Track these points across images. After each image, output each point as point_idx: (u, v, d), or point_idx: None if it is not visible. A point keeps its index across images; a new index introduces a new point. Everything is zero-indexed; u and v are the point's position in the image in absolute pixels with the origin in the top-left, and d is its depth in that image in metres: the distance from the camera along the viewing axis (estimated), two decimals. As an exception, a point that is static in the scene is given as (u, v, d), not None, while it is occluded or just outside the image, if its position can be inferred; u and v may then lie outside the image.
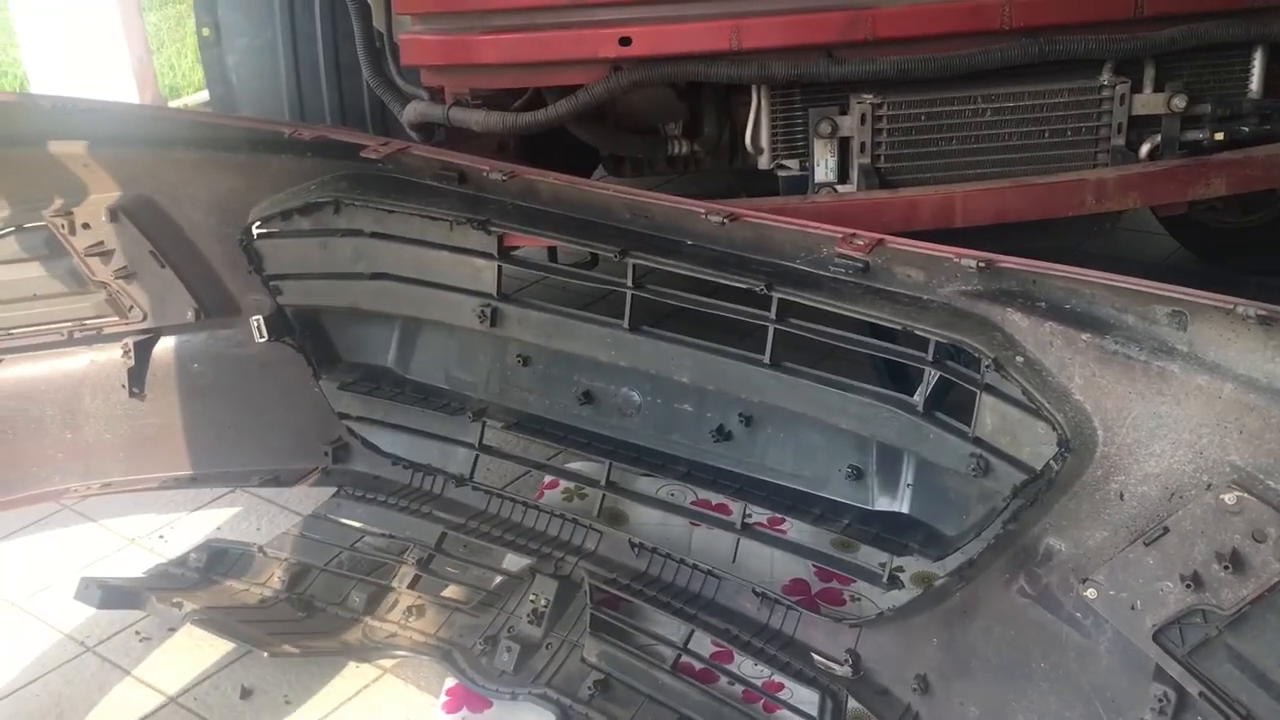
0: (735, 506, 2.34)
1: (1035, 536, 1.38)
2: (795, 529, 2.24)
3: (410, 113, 2.06)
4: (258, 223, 1.99)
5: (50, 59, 4.26)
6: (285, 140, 1.92)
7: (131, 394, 2.16)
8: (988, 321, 1.43)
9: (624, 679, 1.76)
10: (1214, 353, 1.26)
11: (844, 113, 1.93)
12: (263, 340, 2.06)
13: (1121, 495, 1.29)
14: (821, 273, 1.57)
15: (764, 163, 2.01)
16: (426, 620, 1.93)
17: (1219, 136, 1.98)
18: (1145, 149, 1.98)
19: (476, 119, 1.96)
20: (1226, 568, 1.18)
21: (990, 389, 1.45)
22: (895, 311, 1.50)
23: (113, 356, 2.16)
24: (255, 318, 2.05)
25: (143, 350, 2.15)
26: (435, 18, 1.94)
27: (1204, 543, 1.21)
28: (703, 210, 1.64)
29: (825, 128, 1.94)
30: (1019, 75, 1.90)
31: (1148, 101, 1.95)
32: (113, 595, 1.95)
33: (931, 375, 1.52)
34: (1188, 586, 1.21)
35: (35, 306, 2.10)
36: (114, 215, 2.01)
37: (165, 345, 2.16)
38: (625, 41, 1.85)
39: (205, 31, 2.32)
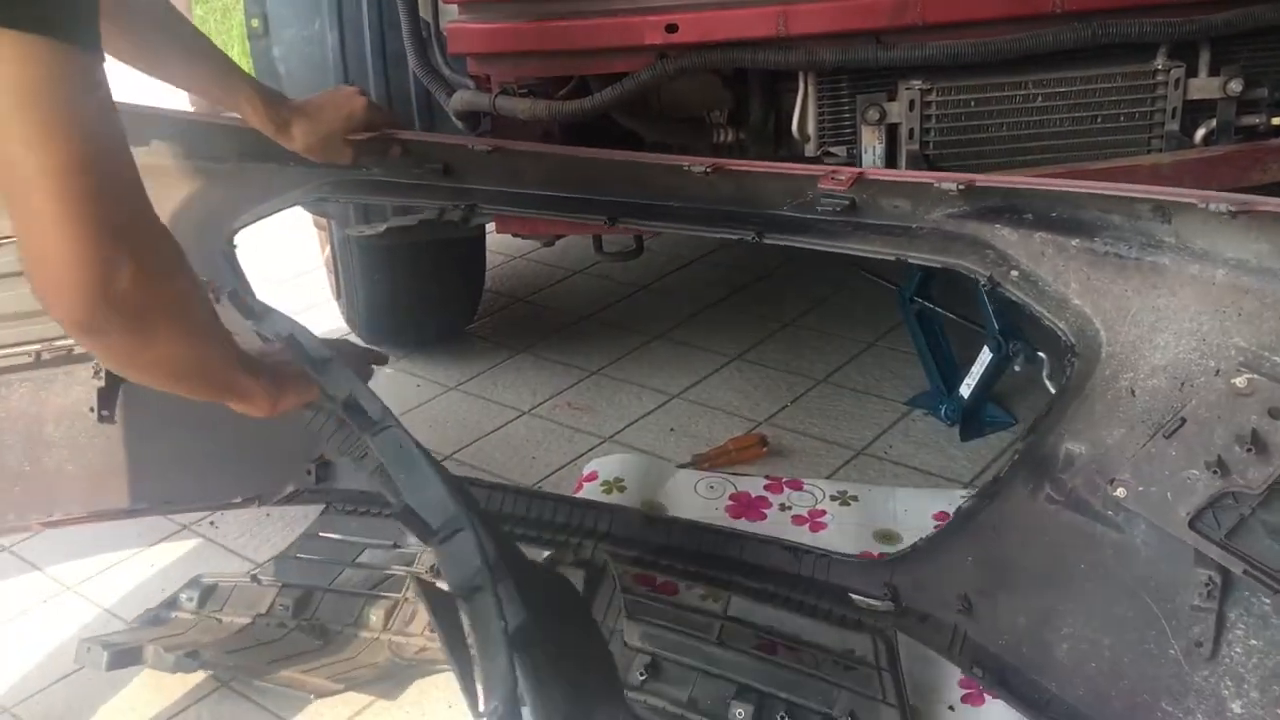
0: (774, 499, 2.35)
1: (1053, 444, 1.41)
2: (835, 522, 2.25)
3: (456, 101, 2.06)
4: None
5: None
6: (270, 148, 1.88)
7: (101, 417, 2.04)
8: (978, 240, 1.46)
9: (673, 657, 1.76)
10: (1202, 241, 1.28)
11: (892, 99, 1.91)
12: None
13: (1133, 391, 1.32)
14: (809, 216, 1.59)
15: (810, 150, 2.00)
16: None
17: (1276, 121, 1.95)
18: (1200, 134, 1.94)
19: (522, 107, 1.96)
20: (1249, 449, 1.20)
21: None
22: (887, 244, 1.53)
23: (81, 377, 2.03)
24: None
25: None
26: (482, 6, 1.94)
27: (1222, 428, 1.23)
28: (686, 163, 1.67)
29: (873, 114, 1.92)
30: (1071, 60, 1.88)
31: (1203, 86, 1.92)
32: (120, 655, 1.85)
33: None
34: (1214, 473, 1.23)
35: (2, 328, 1.99)
36: None
37: None
38: (672, 28, 1.84)
39: (254, 23, 2.33)
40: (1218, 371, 1.24)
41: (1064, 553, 1.43)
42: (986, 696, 1.69)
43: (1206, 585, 1.28)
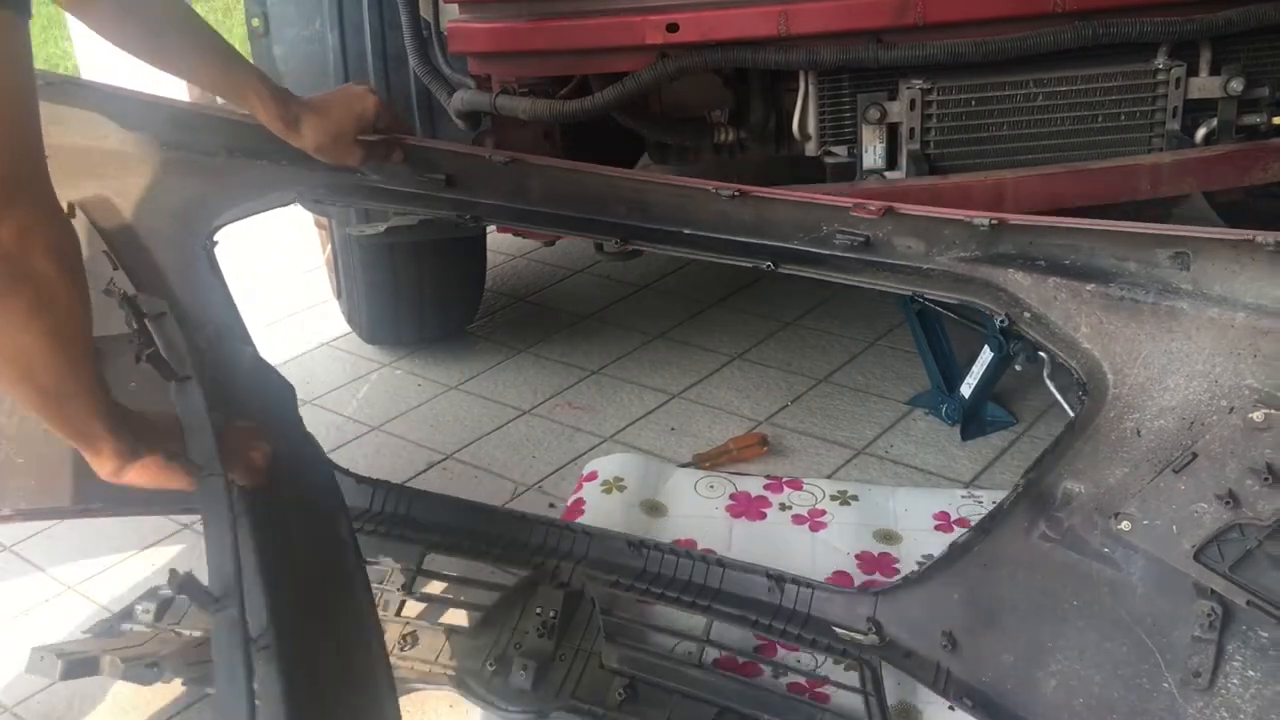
0: (774, 499, 2.35)
1: (1051, 484, 1.43)
2: (835, 522, 2.25)
3: (457, 101, 2.06)
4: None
5: (101, 51, 4.33)
6: (262, 145, 1.81)
7: None
8: (991, 283, 1.46)
9: (651, 679, 1.75)
10: (1219, 287, 1.29)
11: (893, 98, 1.91)
12: None
13: (1138, 432, 1.33)
14: (823, 251, 1.58)
15: (811, 149, 2.00)
16: (423, 647, 1.87)
17: (1277, 120, 1.95)
18: (1201, 133, 1.94)
19: (523, 107, 1.96)
20: (1266, 479, 1.22)
21: None
22: (901, 281, 1.53)
23: None
24: (209, 329, 1.86)
25: None
26: (483, 6, 1.94)
27: (1235, 462, 1.25)
28: (712, 187, 1.63)
29: (874, 114, 1.92)
30: (1072, 59, 1.88)
31: (1204, 85, 1.92)
32: (75, 665, 1.79)
33: None
34: (1226, 504, 1.25)
35: None
36: (72, 209, 1.83)
37: (101, 359, 1.90)
38: (673, 28, 1.84)
39: (255, 22, 2.33)
40: (1231, 409, 1.26)
41: (1056, 590, 1.43)
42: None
43: (1208, 616, 1.29)
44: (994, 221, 1.45)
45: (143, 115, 1.89)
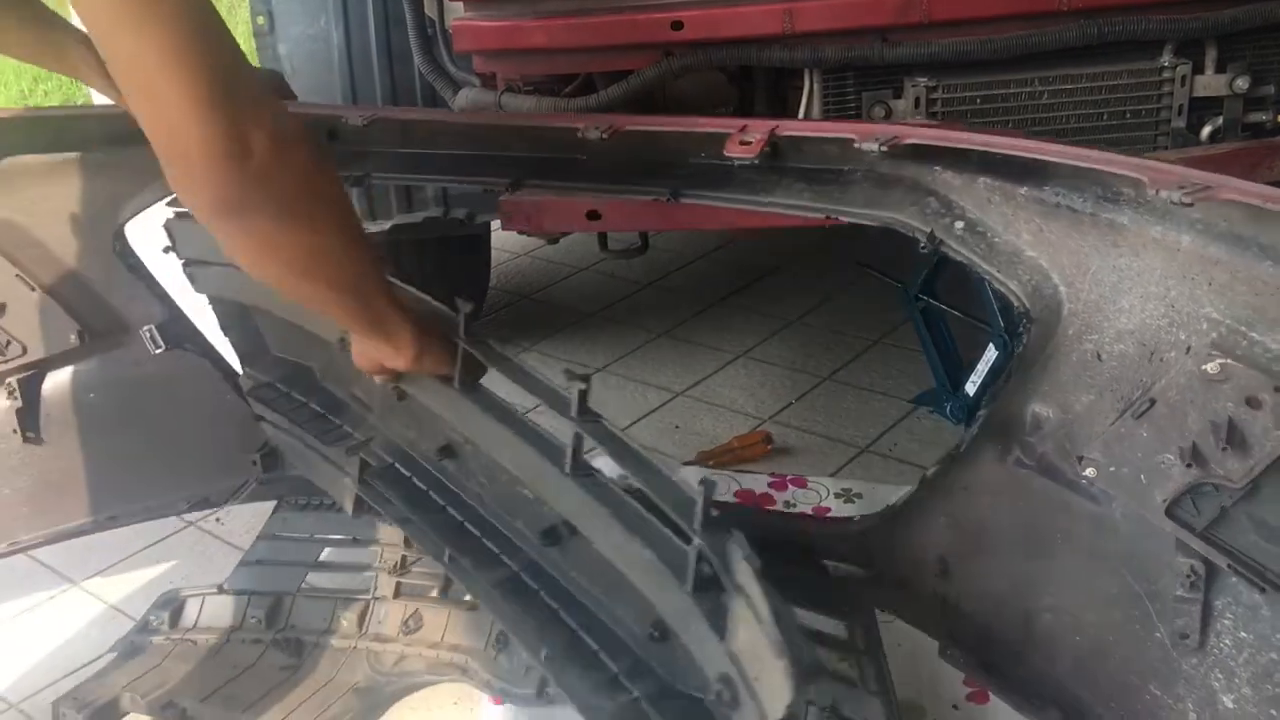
0: (778, 497, 2.35)
1: (1019, 406, 1.32)
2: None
3: (462, 99, 2.07)
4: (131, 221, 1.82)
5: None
6: (139, 131, 1.72)
7: (26, 439, 1.91)
8: (918, 185, 1.35)
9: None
10: (1164, 194, 1.17)
11: (897, 96, 1.91)
12: (159, 351, 1.88)
13: (1099, 355, 1.23)
14: (724, 163, 1.46)
15: (815, 147, 2.00)
16: (427, 628, 1.86)
17: (1283, 118, 1.95)
18: (1206, 131, 1.94)
19: (528, 105, 1.96)
20: (1224, 449, 1.12)
21: (741, 591, 1.20)
22: (815, 197, 1.41)
23: None
24: (146, 328, 1.86)
25: (30, 388, 1.89)
26: (487, 4, 1.94)
27: (1195, 413, 1.14)
28: (581, 124, 1.57)
29: (878, 112, 1.92)
30: (1077, 57, 1.87)
31: (1209, 83, 1.91)
32: (98, 714, 1.80)
33: (695, 554, 1.26)
34: (1188, 466, 1.15)
35: None
36: None
37: (56, 380, 1.91)
38: (677, 26, 1.84)
39: (260, 20, 2.33)
40: (1189, 349, 1.14)
41: (1038, 520, 1.34)
42: (991, 695, 1.69)
43: (1189, 576, 1.19)
44: (884, 148, 1.34)
45: (8, 130, 1.80)
